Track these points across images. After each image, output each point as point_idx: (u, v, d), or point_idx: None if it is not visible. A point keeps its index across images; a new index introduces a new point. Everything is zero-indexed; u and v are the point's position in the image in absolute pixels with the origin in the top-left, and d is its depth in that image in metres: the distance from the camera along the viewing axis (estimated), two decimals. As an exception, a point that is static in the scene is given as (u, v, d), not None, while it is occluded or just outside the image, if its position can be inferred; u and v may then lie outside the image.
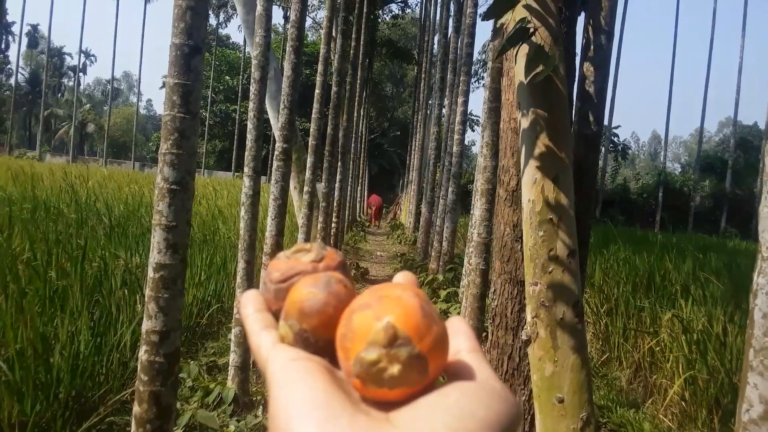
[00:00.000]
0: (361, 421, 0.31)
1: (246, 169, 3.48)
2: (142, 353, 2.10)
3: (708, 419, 3.48)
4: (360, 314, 0.34)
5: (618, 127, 31.74)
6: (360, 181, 22.28)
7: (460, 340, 0.38)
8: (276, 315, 0.40)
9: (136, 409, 2.13)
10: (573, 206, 2.11)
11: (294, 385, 0.32)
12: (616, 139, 36.59)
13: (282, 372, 0.34)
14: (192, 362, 3.90)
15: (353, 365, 0.32)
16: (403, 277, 0.44)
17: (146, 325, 2.10)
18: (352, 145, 14.45)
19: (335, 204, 9.24)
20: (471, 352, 0.38)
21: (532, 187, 2.13)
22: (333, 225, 9.04)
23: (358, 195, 21.54)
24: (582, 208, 2.37)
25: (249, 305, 0.42)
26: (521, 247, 2.71)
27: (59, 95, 66.90)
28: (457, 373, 0.36)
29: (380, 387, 0.32)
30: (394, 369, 0.32)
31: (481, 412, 0.32)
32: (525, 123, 2.18)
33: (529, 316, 2.12)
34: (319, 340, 0.36)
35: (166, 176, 2.06)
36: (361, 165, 22.06)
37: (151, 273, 2.09)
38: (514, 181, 2.79)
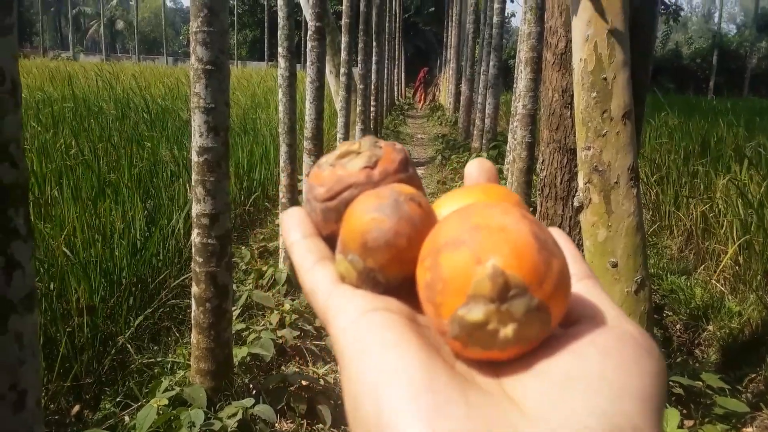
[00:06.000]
0: (478, 405, 0.23)
1: (280, 50, 3.36)
2: (195, 236, 2.14)
3: (763, 281, 3.43)
4: (450, 255, 0.25)
5: (670, -15, 29.31)
6: (396, 63, 21.60)
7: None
8: (328, 240, 0.33)
9: (194, 289, 2.20)
10: (629, 63, 1.97)
11: (378, 352, 0.25)
12: (667, 0, 34.01)
13: (355, 331, 0.26)
14: (244, 248, 4.02)
15: (450, 326, 0.25)
16: (478, 167, 0.36)
17: (195, 209, 2.12)
18: (386, 24, 13.87)
19: (373, 87, 9.03)
20: (583, 279, 0.31)
21: (584, 45, 1.98)
22: (372, 108, 8.88)
23: (395, 78, 20.96)
24: (638, 66, 2.21)
25: (294, 229, 0.33)
26: (571, 113, 2.59)
27: (85, -8, 65.70)
28: (581, 316, 0.28)
29: (489, 350, 0.25)
30: (508, 330, 0.25)
31: (635, 382, 0.24)
32: (576, -26, 1.99)
33: (581, 182, 2.04)
34: (390, 279, 0.29)
35: (200, 56, 1.99)
36: (397, 46, 21.28)
37: (195, 157, 2.08)
38: (562, 43, 2.61)
